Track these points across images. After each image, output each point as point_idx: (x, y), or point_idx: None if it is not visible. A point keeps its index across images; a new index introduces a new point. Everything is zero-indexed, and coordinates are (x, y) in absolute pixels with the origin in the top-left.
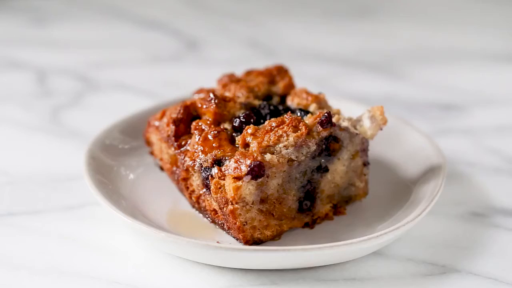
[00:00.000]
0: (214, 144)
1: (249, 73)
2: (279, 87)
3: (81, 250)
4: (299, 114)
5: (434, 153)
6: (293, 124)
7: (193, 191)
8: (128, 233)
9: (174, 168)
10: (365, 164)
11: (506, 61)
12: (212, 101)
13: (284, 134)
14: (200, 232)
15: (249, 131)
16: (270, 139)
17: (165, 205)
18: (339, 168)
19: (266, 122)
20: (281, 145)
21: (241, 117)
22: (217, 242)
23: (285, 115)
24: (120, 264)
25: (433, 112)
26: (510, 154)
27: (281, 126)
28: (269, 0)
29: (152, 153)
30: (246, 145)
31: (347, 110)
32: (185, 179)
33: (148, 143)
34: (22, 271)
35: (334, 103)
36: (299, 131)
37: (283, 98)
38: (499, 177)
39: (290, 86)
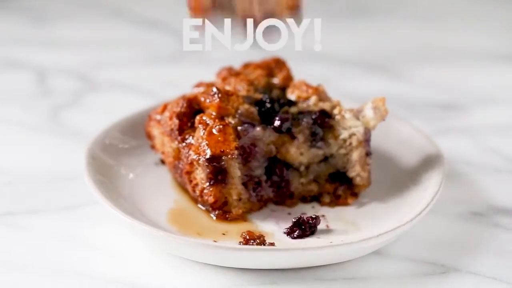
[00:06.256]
0: (219, 138)
1: (246, 66)
2: (278, 79)
3: (80, 249)
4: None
5: (434, 153)
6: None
7: (196, 184)
8: (128, 232)
9: (177, 162)
10: (368, 154)
11: (506, 61)
12: (216, 95)
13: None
14: (200, 231)
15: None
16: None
17: (165, 204)
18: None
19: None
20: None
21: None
22: (214, 241)
23: None
24: (120, 264)
25: (433, 112)
26: (510, 154)
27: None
28: None
29: (153, 147)
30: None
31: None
32: (189, 173)
33: (149, 137)
34: (22, 271)
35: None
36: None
37: (282, 90)
38: (499, 177)
39: (289, 78)
